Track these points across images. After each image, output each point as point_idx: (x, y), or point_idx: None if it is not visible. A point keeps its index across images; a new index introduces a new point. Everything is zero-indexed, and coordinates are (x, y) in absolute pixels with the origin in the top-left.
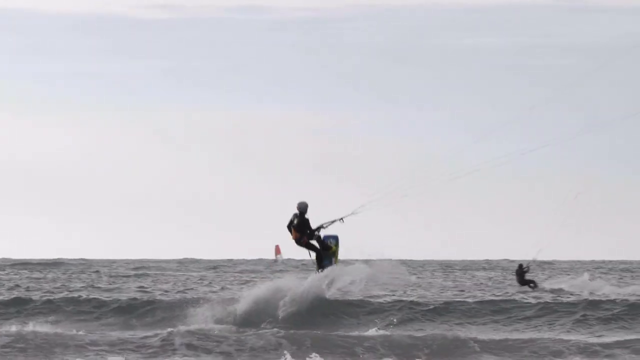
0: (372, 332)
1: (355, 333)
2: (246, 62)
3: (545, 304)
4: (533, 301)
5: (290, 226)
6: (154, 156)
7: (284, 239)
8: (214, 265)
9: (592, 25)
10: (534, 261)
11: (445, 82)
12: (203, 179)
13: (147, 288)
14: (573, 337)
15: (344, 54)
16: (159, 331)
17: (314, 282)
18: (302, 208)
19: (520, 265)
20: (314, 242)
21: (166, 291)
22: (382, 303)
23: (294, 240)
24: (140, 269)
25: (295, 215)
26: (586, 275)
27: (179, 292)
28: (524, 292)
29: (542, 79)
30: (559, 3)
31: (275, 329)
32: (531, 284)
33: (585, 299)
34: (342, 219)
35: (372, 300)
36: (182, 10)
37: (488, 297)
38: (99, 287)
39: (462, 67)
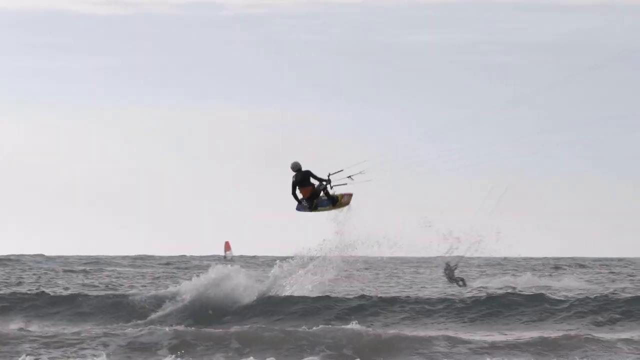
0: None
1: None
2: (197, 58)
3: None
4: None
5: (294, 191)
6: (105, 154)
7: (234, 235)
8: (166, 262)
9: (537, 23)
10: (461, 258)
11: (395, 79)
12: (155, 176)
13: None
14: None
15: (295, 51)
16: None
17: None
18: (297, 165)
19: (448, 264)
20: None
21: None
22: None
23: (305, 201)
24: (90, 264)
25: (295, 177)
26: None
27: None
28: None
29: (492, 76)
30: (504, 0)
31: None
32: (460, 282)
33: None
34: (350, 176)
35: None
36: (132, 6)
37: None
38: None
39: (411, 64)
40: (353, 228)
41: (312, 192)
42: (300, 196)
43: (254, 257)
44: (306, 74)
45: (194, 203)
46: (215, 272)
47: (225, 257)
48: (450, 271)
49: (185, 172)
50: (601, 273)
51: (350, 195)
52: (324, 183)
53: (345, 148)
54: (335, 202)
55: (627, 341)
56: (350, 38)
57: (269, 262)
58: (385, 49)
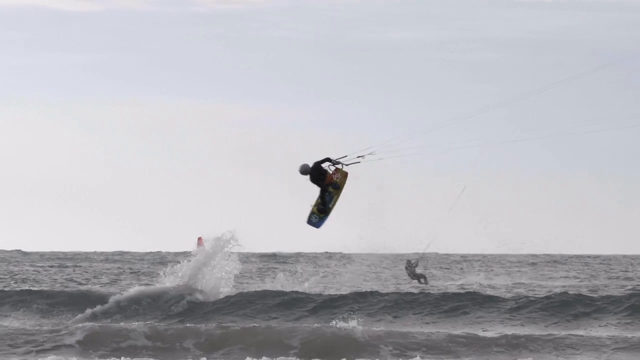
0: None
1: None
2: (170, 55)
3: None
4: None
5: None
6: (80, 150)
7: (206, 231)
8: (141, 258)
9: (514, 20)
10: (423, 255)
11: (372, 77)
12: (129, 172)
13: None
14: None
15: (270, 48)
16: None
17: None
18: (306, 167)
19: (409, 261)
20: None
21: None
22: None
23: (331, 186)
24: (65, 260)
25: (311, 178)
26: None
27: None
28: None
29: (468, 73)
30: None
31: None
32: (421, 279)
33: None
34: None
35: None
36: (104, 2)
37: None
38: None
39: (387, 61)
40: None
41: (331, 180)
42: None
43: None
44: (281, 71)
45: (169, 199)
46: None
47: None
48: (412, 268)
49: (159, 168)
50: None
51: (345, 175)
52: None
53: (321, 145)
54: (337, 187)
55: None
56: (326, 35)
57: (243, 258)
58: (361, 46)
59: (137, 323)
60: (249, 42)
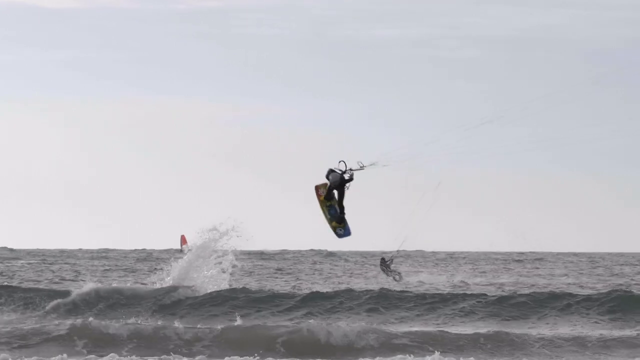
0: None
1: None
2: (153, 52)
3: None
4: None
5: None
6: (63, 149)
7: (189, 229)
8: (124, 255)
9: (501, 17)
10: (397, 252)
11: (355, 74)
12: (114, 170)
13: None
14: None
15: (252, 45)
16: None
17: None
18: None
19: (383, 259)
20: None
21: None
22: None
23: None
24: (49, 257)
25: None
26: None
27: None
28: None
29: (455, 71)
30: None
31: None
32: (396, 276)
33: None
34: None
35: None
36: None
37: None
38: None
39: (370, 59)
40: None
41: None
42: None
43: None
44: (265, 69)
45: (154, 197)
46: None
47: (182, 250)
48: (386, 265)
49: (143, 166)
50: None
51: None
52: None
53: (304, 141)
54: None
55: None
56: (310, 33)
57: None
58: (346, 43)
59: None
60: (232, 39)
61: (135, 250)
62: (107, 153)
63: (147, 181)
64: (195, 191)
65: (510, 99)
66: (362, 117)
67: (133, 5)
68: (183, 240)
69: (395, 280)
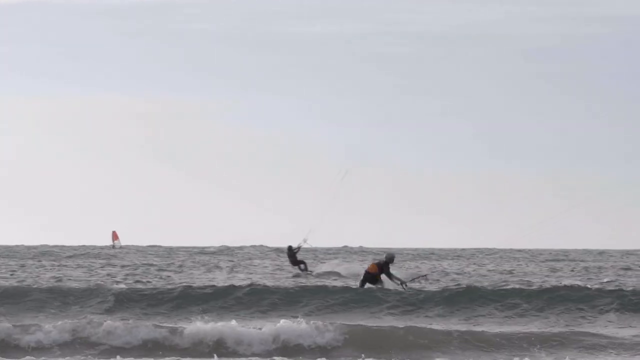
0: None
1: None
2: (84, 48)
3: None
4: None
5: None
6: None
7: (120, 225)
8: (43, 252)
9: (436, 13)
10: (304, 242)
11: (290, 69)
12: (45, 167)
13: None
14: None
15: (188, 41)
16: None
17: None
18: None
19: (290, 247)
20: None
21: None
22: None
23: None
24: None
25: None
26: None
27: None
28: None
29: (391, 67)
30: None
31: None
32: (301, 265)
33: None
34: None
35: None
36: None
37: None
38: None
39: (306, 54)
40: None
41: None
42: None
43: (154, 246)
44: (199, 64)
45: (83, 193)
46: None
47: (113, 246)
48: (293, 255)
49: (74, 162)
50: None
51: None
52: None
53: (238, 137)
54: None
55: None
56: (245, 28)
57: (163, 252)
58: (280, 39)
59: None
60: (168, 35)
61: (64, 246)
62: (38, 149)
63: (77, 178)
64: (127, 187)
65: (448, 95)
66: (298, 112)
67: (64, 1)
68: (114, 236)
69: (301, 270)
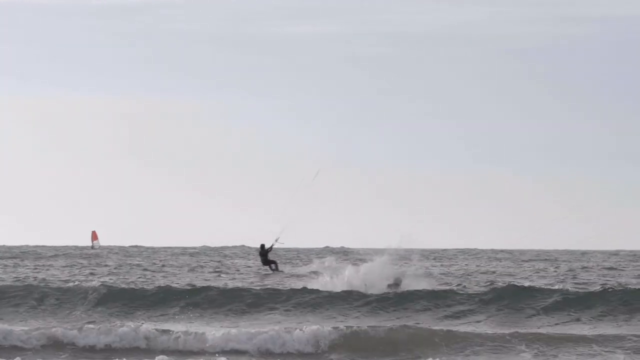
0: None
1: None
2: (66, 48)
3: None
4: None
5: None
6: None
7: (101, 225)
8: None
9: (416, 13)
10: (276, 241)
11: (271, 70)
12: (24, 167)
13: None
14: None
15: (168, 41)
16: None
17: None
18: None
19: (262, 246)
20: None
21: None
22: None
23: None
24: None
25: None
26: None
27: None
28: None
29: (371, 68)
30: None
31: None
32: (272, 265)
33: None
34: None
35: None
36: None
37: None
38: None
39: (286, 55)
40: None
41: None
42: None
43: (136, 246)
44: (181, 64)
45: (63, 193)
46: None
47: (92, 246)
48: (265, 254)
49: (55, 163)
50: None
51: None
52: None
53: (219, 137)
54: None
55: None
56: (225, 28)
57: (142, 252)
58: (260, 39)
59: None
60: (149, 35)
61: (45, 246)
62: (16, 149)
63: (58, 178)
64: (105, 187)
65: (430, 96)
66: (279, 112)
67: (52, 1)
68: (94, 236)
69: (272, 269)
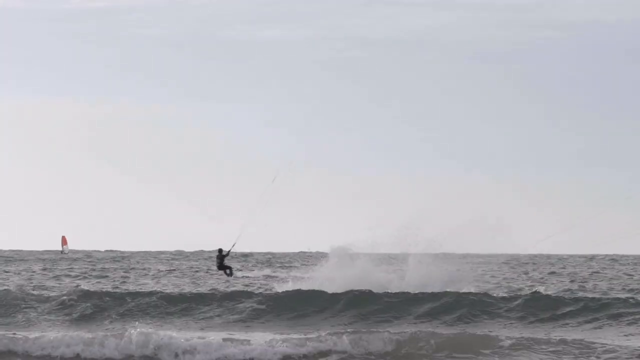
0: None
1: None
2: (35, 52)
3: None
4: None
5: None
6: None
7: (69, 230)
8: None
9: (385, 18)
10: (234, 246)
11: (239, 75)
12: None
13: None
14: None
15: (136, 46)
16: None
17: None
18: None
19: (220, 250)
20: None
21: None
22: None
23: None
24: None
25: None
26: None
27: None
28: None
29: (339, 72)
30: None
31: None
32: (227, 270)
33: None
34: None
35: None
36: None
37: None
38: None
39: (256, 60)
40: None
41: None
42: None
43: (85, 251)
44: (150, 69)
45: (34, 198)
46: None
47: (62, 251)
48: (222, 258)
49: (19, 167)
50: None
51: None
52: None
53: (190, 142)
54: None
55: None
56: (194, 33)
57: (113, 257)
58: (229, 44)
59: None
60: (116, 39)
61: (14, 250)
62: None
63: (27, 183)
64: (74, 191)
65: (400, 99)
66: (250, 117)
67: (19, 5)
68: (64, 241)
69: (227, 274)
